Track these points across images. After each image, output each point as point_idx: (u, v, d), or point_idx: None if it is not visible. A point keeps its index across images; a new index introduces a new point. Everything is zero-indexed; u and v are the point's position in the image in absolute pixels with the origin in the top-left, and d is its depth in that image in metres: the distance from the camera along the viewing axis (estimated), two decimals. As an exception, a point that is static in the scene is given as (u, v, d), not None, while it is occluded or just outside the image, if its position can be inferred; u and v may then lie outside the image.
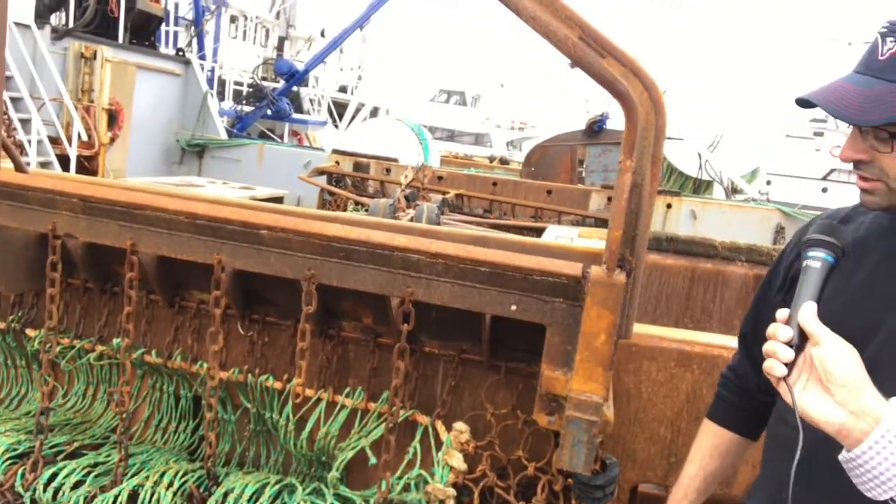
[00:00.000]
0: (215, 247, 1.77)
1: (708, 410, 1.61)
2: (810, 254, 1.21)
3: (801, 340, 1.13)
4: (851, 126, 1.20)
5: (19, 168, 2.15)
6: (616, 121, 8.91)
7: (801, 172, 23.98)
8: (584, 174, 8.43)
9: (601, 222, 6.26)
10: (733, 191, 12.10)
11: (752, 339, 1.51)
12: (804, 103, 1.24)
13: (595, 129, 8.52)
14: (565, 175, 8.37)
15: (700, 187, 11.91)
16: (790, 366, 1.11)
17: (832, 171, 25.40)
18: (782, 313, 1.16)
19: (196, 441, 2.30)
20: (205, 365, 2.07)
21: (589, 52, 1.45)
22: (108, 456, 2.16)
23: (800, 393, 1.11)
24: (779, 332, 1.13)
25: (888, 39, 1.15)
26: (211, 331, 1.88)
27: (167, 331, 2.24)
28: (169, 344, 2.23)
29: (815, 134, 28.69)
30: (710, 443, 1.56)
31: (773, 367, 1.11)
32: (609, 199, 6.82)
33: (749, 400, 1.53)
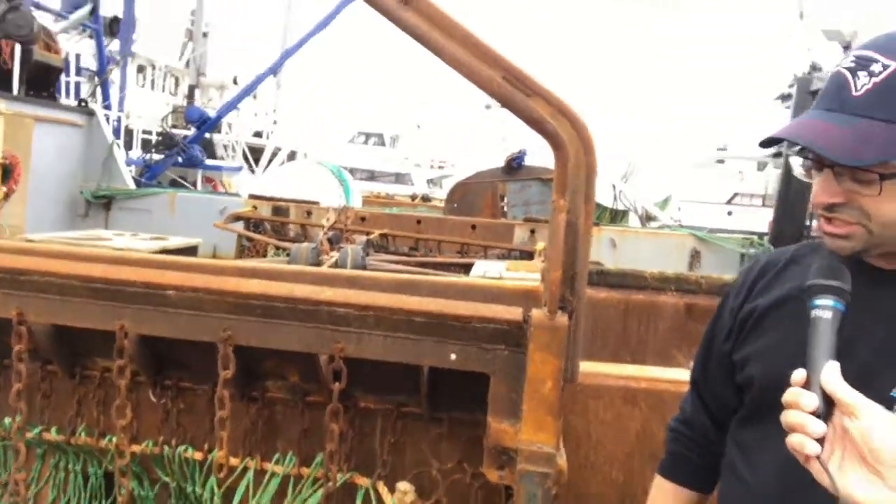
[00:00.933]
0: (116, 312, 1.60)
1: (661, 467, 1.50)
2: (817, 303, 1.06)
3: (826, 407, 0.97)
4: (825, 168, 1.11)
5: None
6: (533, 157, 9.09)
7: (707, 198, 25.31)
8: (506, 209, 8.51)
9: (526, 254, 6.28)
10: (647, 218, 12.55)
11: (705, 387, 1.44)
12: (772, 142, 1.17)
13: (514, 166, 8.64)
14: (488, 210, 8.43)
15: (616, 216, 12.27)
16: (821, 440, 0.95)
17: (735, 195, 26.96)
18: (798, 376, 1.00)
19: (109, 524, 2.06)
20: (114, 439, 1.86)
21: (515, 93, 1.39)
22: (3, 554, 1.90)
23: (836, 472, 0.94)
24: (802, 401, 0.96)
25: (860, 74, 1.09)
26: (117, 404, 1.69)
27: (69, 404, 2.01)
28: (72, 418, 2.00)
29: (718, 161, 30.45)
30: (661, 500, 1.47)
31: (804, 445, 0.94)
32: (532, 231, 6.89)
33: (708, 453, 1.43)
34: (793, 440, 0.95)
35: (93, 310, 1.62)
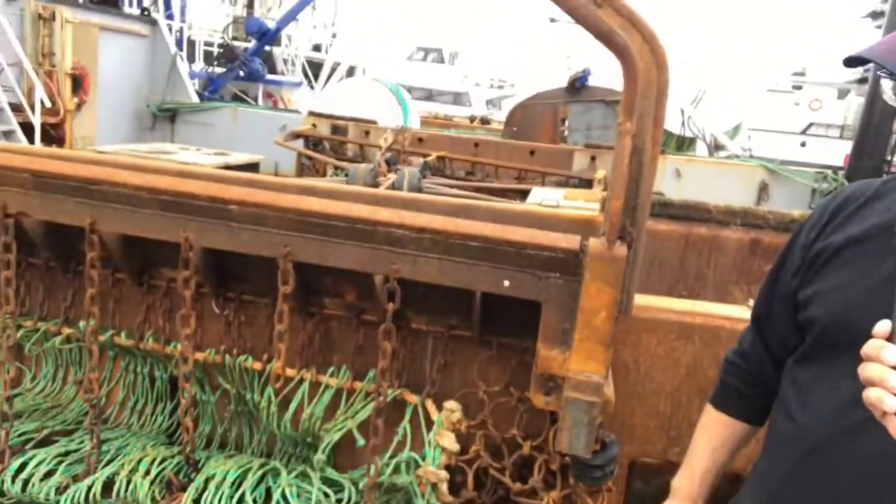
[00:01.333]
0: (182, 224, 1.64)
1: (713, 398, 1.50)
2: None
3: None
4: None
5: (-34, 140, 1.98)
6: (598, 78, 8.73)
7: (781, 126, 24.02)
8: (566, 133, 8.27)
9: (585, 183, 6.15)
10: (716, 147, 12.03)
11: (767, 324, 1.40)
12: (859, 62, 1.07)
13: (577, 87, 8.30)
14: (548, 135, 8.20)
15: (683, 144, 11.80)
16: None
17: (810, 125, 25.48)
18: (882, 327, 0.94)
19: (175, 423, 2.20)
20: (178, 346, 1.95)
21: (583, 2, 1.31)
22: (81, 443, 2.05)
23: None
24: (884, 354, 0.91)
25: None
26: (182, 313, 1.76)
27: (137, 311, 2.11)
28: (140, 324, 2.11)
29: (795, 87, 28.70)
30: (722, 435, 1.46)
31: (882, 401, 0.90)
32: (592, 158, 6.71)
33: (763, 388, 1.42)
34: (871, 395, 0.91)
35: (160, 221, 1.67)
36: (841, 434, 1.12)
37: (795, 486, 1.17)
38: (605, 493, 1.75)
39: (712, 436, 1.47)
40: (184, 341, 1.82)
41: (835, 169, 8.75)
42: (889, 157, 7.99)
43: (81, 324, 2.03)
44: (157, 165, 2.05)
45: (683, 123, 11.77)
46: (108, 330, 2.08)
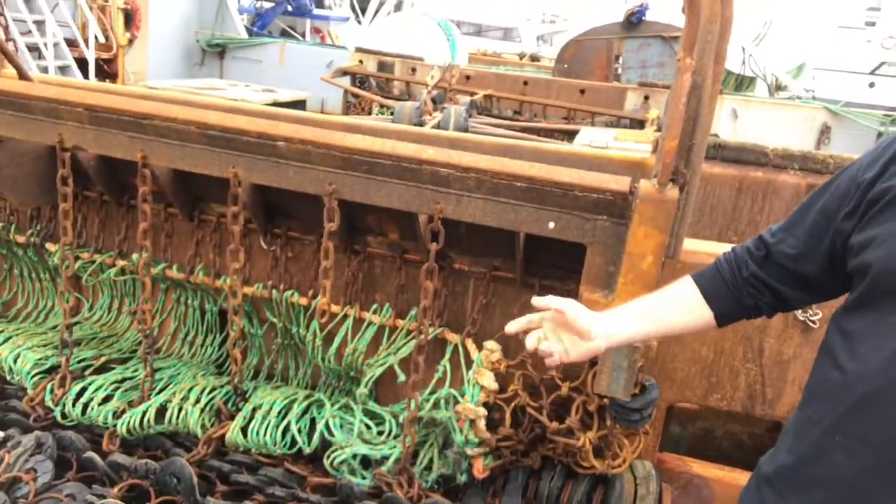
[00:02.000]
0: (230, 160, 1.66)
1: (696, 273, 1.36)
2: None
3: None
4: None
5: (22, 75, 2.02)
6: (656, 12, 8.34)
7: (848, 66, 22.67)
8: (620, 71, 7.97)
9: (637, 123, 5.96)
10: (777, 88, 11.45)
11: (783, 239, 1.28)
12: None
13: (633, 21, 7.93)
14: (600, 72, 7.92)
15: (742, 84, 11.28)
16: None
17: (881, 64, 23.95)
18: None
19: (224, 354, 2.28)
20: (228, 280, 2.01)
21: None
22: (136, 371, 2.15)
23: None
24: None
25: None
26: (231, 248, 1.80)
27: (188, 245, 2.17)
28: (191, 258, 2.17)
29: (867, 24, 26.91)
30: (679, 297, 1.33)
31: None
32: (646, 97, 6.48)
33: (738, 280, 1.32)
34: None
35: (209, 156, 1.69)
36: (888, 382, 1.08)
37: (840, 435, 1.15)
38: (641, 436, 1.75)
39: (682, 297, 1.34)
40: (232, 275, 1.86)
41: (905, 111, 8.27)
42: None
43: (134, 257, 2.10)
44: (207, 101, 2.06)
45: (744, 62, 11.21)
46: (161, 263, 2.14)
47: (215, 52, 9.63)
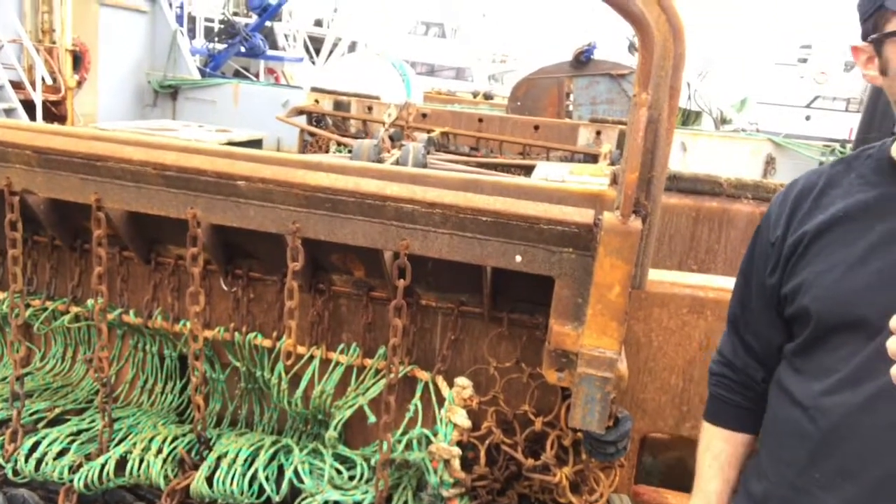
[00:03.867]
0: (189, 200, 1.62)
1: (708, 415, 1.46)
2: None
3: None
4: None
5: (-31, 118, 1.95)
6: (603, 51, 8.63)
7: (786, 100, 23.75)
8: (571, 107, 8.19)
9: (591, 158, 6.10)
10: (722, 121, 11.91)
11: (746, 326, 1.38)
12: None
13: (582, 60, 8.20)
14: (552, 109, 8.13)
15: (689, 118, 11.70)
16: None
17: (816, 98, 25.19)
18: None
19: (185, 401, 2.20)
20: (188, 324, 1.95)
21: (598, -29, 1.28)
22: (93, 421, 2.05)
23: None
24: None
25: None
26: (190, 291, 1.75)
27: (145, 289, 2.11)
28: (148, 303, 2.10)
29: (800, 60, 28.31)
30: (726, 451, 1.42)
31: None
32: (598, 132, 6.65)
33: (754, 394, 1.40)
34: None
35: (166, 198, 1.65)
36: (858, 409, 1.11)
37: (818, 472, 1.16)
38: (617, 469, 1.74)
39: (717, 454, 1.43)
40: (193, 319, 1.81)
41: (842, 142, 8.67)
42: (897, 130, 7.90)
43: (89, 302, 2.02)
44: (162, 142, 2.03)
45: (690, 97, 11.66)
46: (117, 308, 2.07)
47: (168, 93, 9.54)
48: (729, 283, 1.80)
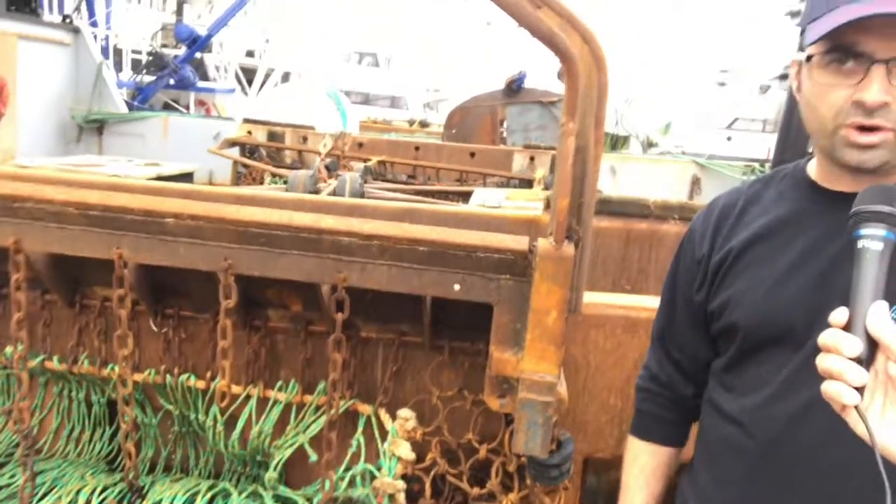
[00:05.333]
0: (114, 240, 1.56)
1: (634, 429, 1.50)
2: (864, 232, 0.93)
3: (870, 352, 0.88)
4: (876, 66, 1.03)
5: None
6: (534, 79, 8.85)
7: (708, 123, 24.91)
8: (505, 134, 8.35)
9: (526, 183, 6.21)
10: (649, 145, 12.37)
11: (673, 342, 1.44)
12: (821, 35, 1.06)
13: (514, 89, 8.39)
14: (487, 136, 8.26)
15: (617, 143, 12.09)
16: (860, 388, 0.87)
17: (735, 119, 26.53)
18: (839, 316, 0.90)
19: (115, 448, 2.10)
20: (116, 368, 1.86)
21: (522, 3, 1.31)
22: (13, 476, 1.94)
23: (877, 422, 0.86)
24: (843, 346, 0.87)
25: None
26: (118, 334, 1.68)
27: (69, 333, 2.01)
28: (73, 348, 2.01)
29: (720, 84, 29.83)
30: (651, 464, 1.46)
31: (841, 394, 0.86)
32: (532, 158, 6.79)
33: (682, 408, 1.45)
34: (829, 389, 0.88)
35: (90, 238, 1.59)
36: (792, 420, 1.15)
37: (758, 487, 1.19)
38: (561, 492, 1.75)
39: (643, 466, 1.47)
40: (121, 363, 1.73)
41: (761, 162, 9.12)
42: (810, 150, 8.34)
43: (8, 350, 1.92)
44: (86, 179, 1.96)
45: (617, 122, 12.07)
46: (39, 355, 1.97)
47: (93, 127, 9.23)
48: (658, 302, 1.85)
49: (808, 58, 1.10)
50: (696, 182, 7.73)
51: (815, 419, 1.11)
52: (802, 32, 1.16)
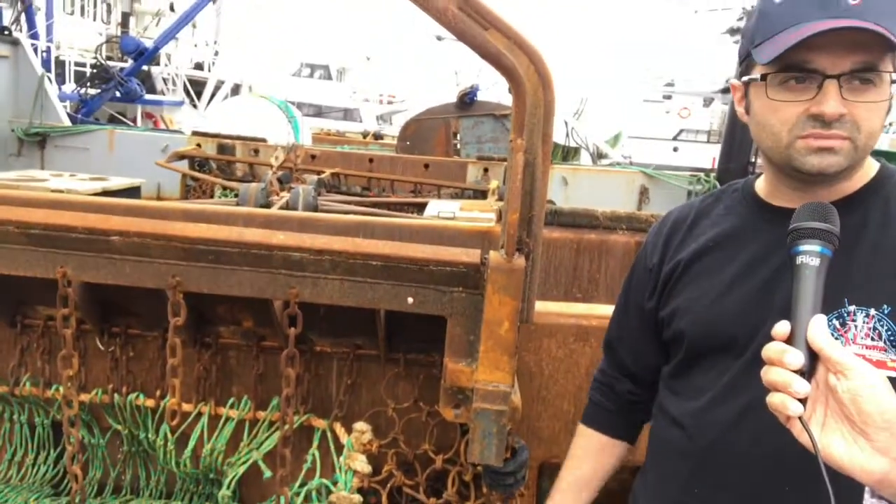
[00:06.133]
0: (58, 259, 1.52)
1: (584, 417, 1.58)
2: (802, 248, 0.97)
3: (811, 363, 0.90)
4: (827, 81, 1.08)
5: None
6: (486, 93, 8.97)
7: (655, 134, 25.61)
8: (459, 146, 8.43)
9: (479, 194, 6.27)
10: (599, 156, 12.63)
11: (624, 348, 1.51)
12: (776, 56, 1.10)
13: (467, 101, 8.50)
14: (440, 148, 8.33)
15: (568, 154, 12.31)
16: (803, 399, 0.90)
17: (681, 131, 27.34)
18: (781, 329, 0.93)
19: (61, 471, 2.03)
20: (60, 389, 1.81)
21: (470, 24, 1.34)
22: (-49, 505, 1.86)
23: (818, 432, 0.89)
24: (787, 358, 0.90)
25: None
26: (62, 354, 1.64)
27: (11, 354, 1.94)
28: (15, 369, 1.94)
29: (665, 97, 30.69)
30: (580, 444, 1.55)
31: (786, 405, 0.89)
32: (485, 169, 6.86)
33: (618, 401, 1.52)
34: (774, 400, 0.91)
35: (33, 257, 1.55)
36: (730, 424, 1.19)
37: (697, 486, 1.23)
38: (518, 498, 1.77)
39: (574, 447, 1.55)
40: (66, 383, 1.68)
41: (706, 171, 9.40)
42: (752, 159, 8.66)
43: (-56, 373, 1.84)
44: (28, 196, 1.90)
45: (567, 134, 12.29)
46: (-23, 378, 1.90)
47: (35, 141, 8.94)
48: (610, 310, 1.90)
49: (763, 76, 1.14)
50: (644, 192, 7.92)
51: (749, 424, 1.16)
52: (745, 58, 1.21)
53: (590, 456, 1.53)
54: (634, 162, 13.42)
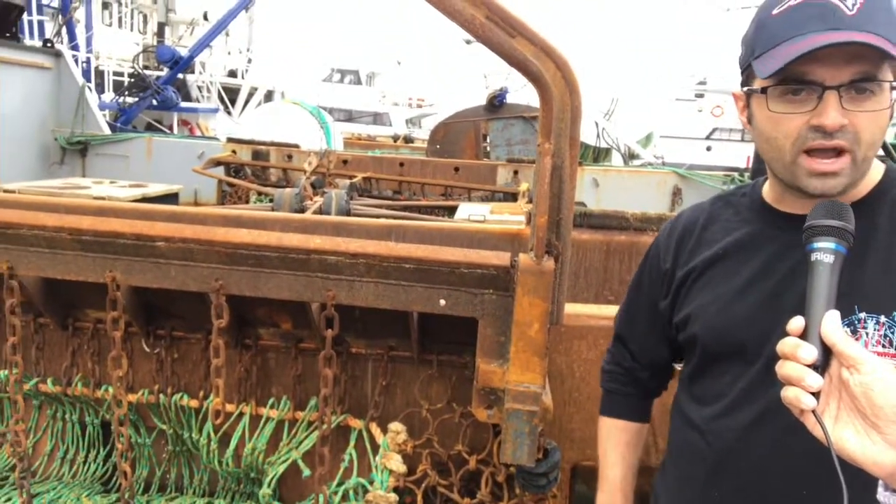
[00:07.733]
0: (107, 264, 1.60)
1: (603, 409, 1.60)
2: (817, 245, 0.99)
3: (824, 358, 0.92)
4: (827, 92, 1.08)
5: None
6: (515, 95, 8.97)
7: (687, 133, 25.25)
8: (488, 149, 8.45)
9: (510, 196, 6.29)
10: (630, 156, 12.53)
11: (633, 341, 1.54)
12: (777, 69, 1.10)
13: (496, 104, 8.52)
14: (470, 151, 8.36)
15: (599, 155, 12.23)
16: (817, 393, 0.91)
17: (714, 130, 26.92)
18: (795, 324, 0.95)
19: (110, 469, 2.12)
20: (110, 389, 1.89)
21: (497, 32, 1.38)
22: (9, 500, 1.95)
23: (831, 426, 0.91)
24: (800, 352, 0.91)
25: None
26: (112, 355, 1.71)
27: (63, 355, 2.04)
28: (67, 369, 2.03)
29: (697, 96, 30.24)
30: (624, 440, 1.56)
31: (799, 399, 0.91)
32: (515, 172, 6.87)
33: (640, 386, 1.56)
34: (788, 394, 0.92)
35: (83, 262, 1.62)
36: (746, 430, 1.21)
37: (716, 489, 1.25)
38: (550, 500, 1.80)
39: (617, 442, 1.56)
40: (115, 384, 1.76)
41: (741, 171, 9.26)
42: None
43: (3, 374, 1.94)
44: (75, 203, 1.99)
45: (598, 135, 12.20)
46: (32, 378, 1.99)
47: (76, 149, 9.22)
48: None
49: (763, 90, 1.15)
50: (677, 192, 7.83)
51: (766, 430, 1.17)
52: (745, 68, 1.22)
53: (634, 448, 1.56)
54: (667, 162, 13.28)
